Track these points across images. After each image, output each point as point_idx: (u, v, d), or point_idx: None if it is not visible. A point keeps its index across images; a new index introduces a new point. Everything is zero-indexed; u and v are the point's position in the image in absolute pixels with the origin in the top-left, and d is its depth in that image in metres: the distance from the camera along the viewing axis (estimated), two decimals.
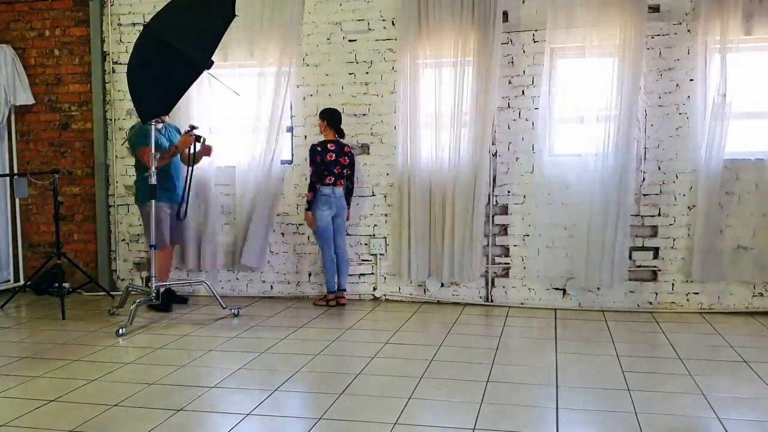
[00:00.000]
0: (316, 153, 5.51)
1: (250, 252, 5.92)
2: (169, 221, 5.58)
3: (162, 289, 5.46)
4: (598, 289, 5.50)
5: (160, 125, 5.54)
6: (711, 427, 3.13)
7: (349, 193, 5.73)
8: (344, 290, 5.81)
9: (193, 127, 5.45)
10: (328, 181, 5.53)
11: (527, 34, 5.52)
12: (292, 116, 5.99)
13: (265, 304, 5.84)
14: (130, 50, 5.21)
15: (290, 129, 6.01)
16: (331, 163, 5.52)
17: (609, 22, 5.22)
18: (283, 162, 6.01)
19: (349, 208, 5.74)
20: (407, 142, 5.64)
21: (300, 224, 5.97)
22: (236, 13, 4.80)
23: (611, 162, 5.28)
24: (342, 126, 5.76)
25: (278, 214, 6.04)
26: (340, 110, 5.87)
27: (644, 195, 5.43)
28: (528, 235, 5.62)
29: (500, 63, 5.50)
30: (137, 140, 5.46)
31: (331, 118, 5.61)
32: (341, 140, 5.65)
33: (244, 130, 5.98)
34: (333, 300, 5.71)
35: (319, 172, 5.50)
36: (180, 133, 5.68)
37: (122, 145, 6.22)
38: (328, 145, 5.56)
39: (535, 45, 5.50)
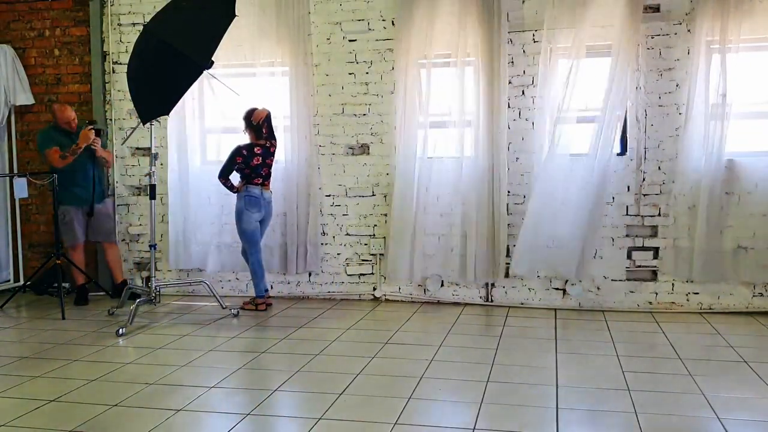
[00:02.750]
0: (239, 155, 5.36)
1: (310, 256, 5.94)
2: (78, 221, 5.84)
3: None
4: (598, 288, 5.50)
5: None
6: (711, 427, 3.14)
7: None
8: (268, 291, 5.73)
9: (92, 122, 5.65)
10: (256, 182, 5.43)
11: (527, 34, 5.52)
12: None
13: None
14: (130, 50, 5.21)
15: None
16: (258, 166, 5.41)
17: (608, 21, 5.21)
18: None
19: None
20: (407, 142, 5.63)
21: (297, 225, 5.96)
22: (236, 13, 4.80)
23: (610, 161, 5.28)
24: (342, 126, 5.79)
25: (276, 215, 6.02)
26: (340, 110, 5.89)
27: (644, 195, 5.43)
28: None
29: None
30: (42, 144, 5.75)
31: (247, 122, 5.44)
32: (266, 142, 5.49)
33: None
34: (262, 304, 5.56)
35: (244, 174, 5.41)
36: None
37: (122, 145, 6.22)
38: (255, 149, 5.41)
39: (535, 45, 5.50)
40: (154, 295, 5.41)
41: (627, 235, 5.46)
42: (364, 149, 5.91)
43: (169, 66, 4.76)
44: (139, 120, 5.20)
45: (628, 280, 5.47)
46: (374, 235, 5.93)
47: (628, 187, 5.42)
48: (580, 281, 5.48)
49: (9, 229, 6.64)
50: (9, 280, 6.61)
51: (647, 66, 5.32)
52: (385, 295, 5.95)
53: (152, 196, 5.36)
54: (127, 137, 5.83)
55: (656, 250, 5.43)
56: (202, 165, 6.12)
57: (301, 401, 3.57)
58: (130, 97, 5.25)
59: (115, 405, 3.45)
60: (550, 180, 5.39)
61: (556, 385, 3.69)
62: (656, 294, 5.45)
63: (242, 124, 5.49)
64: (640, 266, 5.47)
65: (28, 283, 6.38)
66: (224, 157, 5.99)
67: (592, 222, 5.34)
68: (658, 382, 3.72)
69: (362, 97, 5.87)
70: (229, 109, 5.89)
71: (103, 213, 5.99)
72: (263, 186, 5.47)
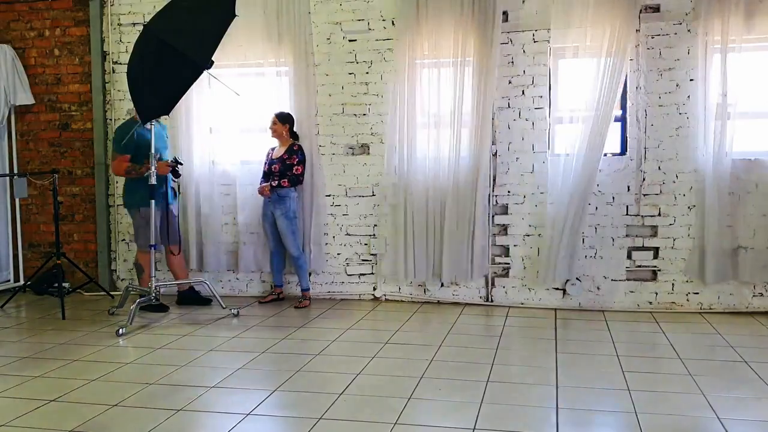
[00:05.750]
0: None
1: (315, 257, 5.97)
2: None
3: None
4: (598, 288, 5.49)
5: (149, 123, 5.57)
6: (711, 427, 3.14)
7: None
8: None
9: (177, 161, 5.47)
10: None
11: (527, 34, 5.52)
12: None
13: (265, 304, 5.83)
14: (130, 50, 5.21)
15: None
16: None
17: (608, 22, 5.21)
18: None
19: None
20: (407, 141, 5.63)
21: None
22: (236, 13, 4.80)
23: (610, 161, 5.28)
24: (342, 126, 5.88)
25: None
26: (340, 110, 5.89)
27: (644, 195, 5.43)
28: (528, 235, 5.62)
29: (500, 63, 5.49)
30: (117, 144, 5.49)
31: (292, 123, 5.71)
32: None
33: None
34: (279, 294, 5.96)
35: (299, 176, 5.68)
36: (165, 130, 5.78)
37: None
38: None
39: (535, 45, 5.50)
40: (154, 295, 5.40)
41: (627, 235, 5.46)
42: (364, 149, 5.91)
43: (169, 66, 4.76)
44: (139, 120, 5.20)
45: (628, 280, 5.47)
46: (374, 235, 5.93)
47: (628, 187, 5.42)
48: (579, 280, 5.47)
49: (9, 229, 6.64)
50: (9, 280, 6.61)
51: (647, 66, 5.32)
52: (385, 295, 5.95)
53: (152, 196, 5.35)
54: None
55: (656, 250, 5.43)
56: (203, 165, 6.11)
57: (301, 401, 3.57)
58: (130, 97, 5.24)
59: (115, 405, 3.45)
60: (554, 181, 5.42)
61: (556, 385, 3.69)
62: (656, 294, 5.45)
63: (266, 125, 5.67)
64: (640, 266, 5.47)
65: (28, 283, 6.38)
66: (220, 157, 6.03)
67: (609, 224, 5.37)
68: (658, 382, 3.72)
69: (362, 97, 5.87)
70: (228, 109, 5.91)
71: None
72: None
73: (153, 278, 5.37)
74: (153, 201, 5.33)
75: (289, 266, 5.92)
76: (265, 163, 5.71)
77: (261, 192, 5.60)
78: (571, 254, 5.37)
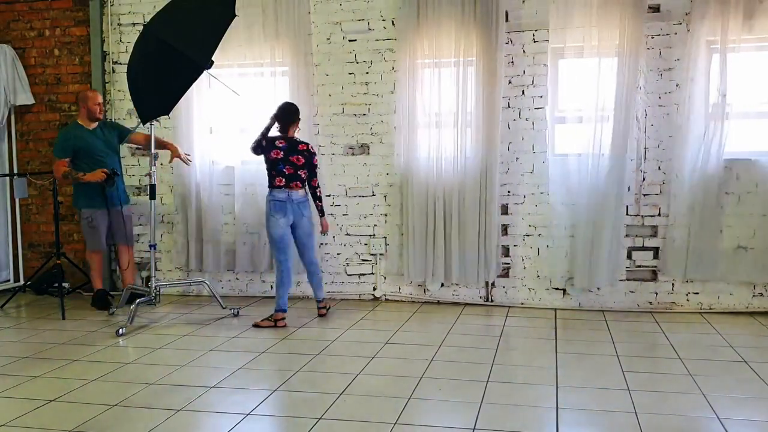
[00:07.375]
0: (260, 146, 5.03)
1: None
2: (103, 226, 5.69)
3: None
4: (598, 289, 5.49)
5: (93, 125, 5.65)
6: (711, 427, 3.14)
7: (317, 199, 5.23)
8: (321, 301, 5.37)
9: (114, 173, 5.52)
10: (278, 183, 5.01)
11: (527, 34, 5.52)
12: None
13: (265, 304, 5.83)
14: (130, 50, 5.21)
15: None
16: (279, 161, 5.01)
17: (609, 21, 5.21)
18: None
19: (323, 216, 5.28)
20: (407, 142, 5.63)
21: None
22: (236, 13, 4.80)
23: (610, 161, 5.28)
24: (342, 126, 5.84)
25: None
26: (340, 110, 5.89)
27: (644, 195, 5.42)
28: (528, 235, 5.62)
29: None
30: (57, 148, 5.63)
31: (280, 113, 5.09)
32: (294, 137, 5.13)
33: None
34: (282, 320, 5.08)
35: (267, 172, 5.08)
36: (119, 129, 5.82)
37: (122, 145, 6.22)
38: (276, 142, 5.03)
39: (535, 45, 5.50)
40: (154, 295, 5.41)
41: (627, 235, 5.46)
42: (364, 149, 5.91)
43: (169, 66, 4.76)
44: (139, 120, 5.21)
45: (628, 280, 5.47)
46: (374, 235, 5.93)
47: (629, 187, 5.42)
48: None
49: (9, 229, 6.64)
50: (9, 280, 6.61)
51: (647, 66, 5.32)
52: (385, 295, 5.95)
53: (152, 196, 5.36)
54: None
55: (656, 250, 5.43)
56: (203, 165, 6.11)
57: (301, 401, 3.57)
58: (130, 97, 5.24)
59: (115, 405, 3.45)
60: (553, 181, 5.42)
61: (556, 385, 3.69)
62: (656, 294, 5.45)
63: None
64: (640, 266, 5.47)
65: (28, 283, 6.39)
66: (220, 157, 6.04)
67: (609, 224, 5.32)
68: (658, 382, 3.73)
69: (362, 97, 5.87)
70: (228, 109, 5.91)
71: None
72: (289, 187, 5.03)
73: (153, 278, 5.37)
74: (153, 200, 5.36)
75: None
76: (274, 153, 5.04)
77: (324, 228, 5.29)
78: (608, 255, 5.33)
